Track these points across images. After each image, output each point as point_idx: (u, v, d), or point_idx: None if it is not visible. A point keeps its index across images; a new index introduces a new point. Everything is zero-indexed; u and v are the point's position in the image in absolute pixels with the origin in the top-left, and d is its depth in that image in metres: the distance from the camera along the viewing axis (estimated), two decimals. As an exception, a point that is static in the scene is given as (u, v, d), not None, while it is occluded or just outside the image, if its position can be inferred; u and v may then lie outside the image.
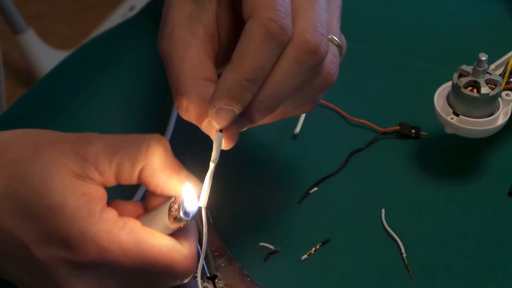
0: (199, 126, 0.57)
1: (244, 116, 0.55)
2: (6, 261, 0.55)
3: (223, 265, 0.63)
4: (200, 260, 0.57)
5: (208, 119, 0.56)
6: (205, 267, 0.62)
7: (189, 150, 0.65)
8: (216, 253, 0.64)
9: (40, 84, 0.81)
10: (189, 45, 0.58)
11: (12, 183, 0.54)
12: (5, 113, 0.78)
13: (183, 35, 0.58)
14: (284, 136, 0.73)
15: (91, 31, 1.92)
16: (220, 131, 0.56)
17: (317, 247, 0.66)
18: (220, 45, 0.60)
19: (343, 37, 0.60)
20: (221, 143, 0.56)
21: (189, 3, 0.59)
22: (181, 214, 0.55)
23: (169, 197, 0.57)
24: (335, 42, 0.58)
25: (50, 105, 0.77)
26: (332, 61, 0.58)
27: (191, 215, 0.55)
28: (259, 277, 0.63)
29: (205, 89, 0.56)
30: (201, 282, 0.62)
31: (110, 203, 0.57)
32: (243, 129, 0.57)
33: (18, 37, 1.83)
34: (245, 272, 0.63)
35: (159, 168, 0.56)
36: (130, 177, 0.56)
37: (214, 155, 0.56)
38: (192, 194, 0.56)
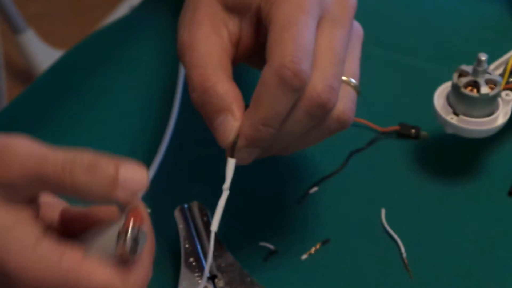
0: (211, 118, 0.57)
1: None
2: None
3: (223, 265, 0.63)
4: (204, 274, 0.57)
5: (223, 115, 0.56)
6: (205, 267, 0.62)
7: (189, 151, 0.65)
8: (216, 253, 0.63)
9: (38, 82, 0.81)
10: (216, 43, 0.58)
11: None
12: (3, 111, 0.78)
13: (210, 32, 0.59)
14: (284, 136, 0.73)
15: (91, 31, 1.92)
16: (232, 157, 0.57)
17: (317, 247, 0.66)
18: (237, 54, 0.60)
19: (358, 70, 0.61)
20: (233, 170, 0.57)
21: (218, 4, 0.60)
22: (129, 249, 0.50)
23: (119, 216, 0.52)
24: (352, 85, 0.59)
25: (49, 102, 0.77)
26: (350, 108, 0.58)
27: (141, 244, 0.51)
28: (259, 277, 0.63)
29: (229, 85, 0.57)
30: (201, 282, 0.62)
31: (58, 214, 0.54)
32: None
33: (18, 37, 1.83)
34: (245, 272, 0.63)
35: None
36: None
37: (227, 182, 0.57)
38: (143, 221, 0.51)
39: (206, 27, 0.59)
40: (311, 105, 0.56)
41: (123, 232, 0.50)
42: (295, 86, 0.54)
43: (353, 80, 0.59)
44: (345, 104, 0.58)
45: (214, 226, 0.56)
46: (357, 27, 0.61)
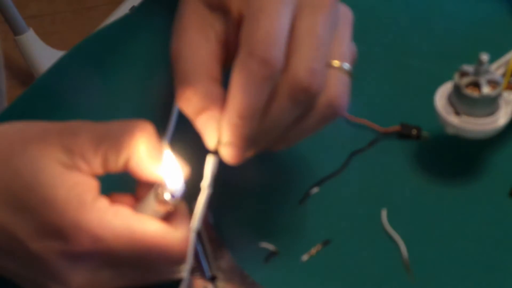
0: (194, 120, 0.57)
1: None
2: (1, 256, 0.55)
3: (223, 266, 0.63)
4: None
5: (203, 115, 0.57)
6: (205, 267, 0.62)
7: (190, 152, 0.64)
8: (216, 254, 0.63)
9: (39, 82, 0.81)
10: (200, 47, 0.58)
11: (2, 178, 0.54)
12: (4, 112, 0.78)
13: (196, 37, 0.59)
14: (284, 136, 0.73)
15: (91, 31, 1.92)
16: (214, 153, 0.56)
17: (318, 248, 0.66)
18: (228, 53, 0.60)
19: (354, 46, 0.60)
20: (211, 168, 0.56)
21: (203, 6, 0.59)
22: (166, 197, 0.55)
23: (156, 184, 0.57)
24: (344, 69, 0.58)
25: (50, 103, 0.77)
26: (342, 92, 0.57)
27: (176, 196, 0.55)
28: (260, 278, 0.63)
29: (210, 86, 0.57)
30: (201, 282, 0.62)
31: (107, 195, 0.57)
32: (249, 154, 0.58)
33: (18, 38, 1.83)
34: (245, 273, 0.63)
35: (142, 157, 0.56)
36: (116, 167, 0.56)
37: (207, 179, 0.56)
38: (176, 176, 0.56)
39: (192, 33, 0.59)
40: (294, 90, 0.54)
41: (159, 188, 0.55)
42: (265, 74, 0.53)
43: (346, 65, 0.58)
44: (336, 88, 0.57)
45: (194, 225, 0.55)
46: (345, 10, 0.60)
